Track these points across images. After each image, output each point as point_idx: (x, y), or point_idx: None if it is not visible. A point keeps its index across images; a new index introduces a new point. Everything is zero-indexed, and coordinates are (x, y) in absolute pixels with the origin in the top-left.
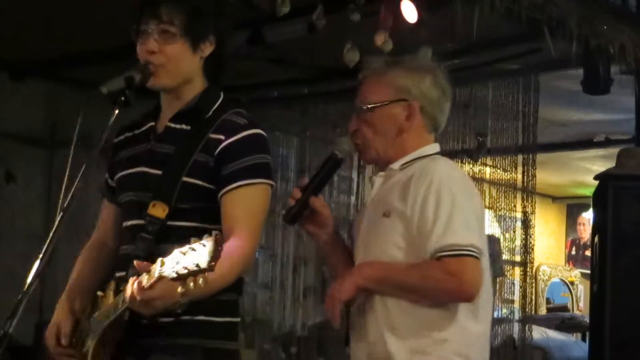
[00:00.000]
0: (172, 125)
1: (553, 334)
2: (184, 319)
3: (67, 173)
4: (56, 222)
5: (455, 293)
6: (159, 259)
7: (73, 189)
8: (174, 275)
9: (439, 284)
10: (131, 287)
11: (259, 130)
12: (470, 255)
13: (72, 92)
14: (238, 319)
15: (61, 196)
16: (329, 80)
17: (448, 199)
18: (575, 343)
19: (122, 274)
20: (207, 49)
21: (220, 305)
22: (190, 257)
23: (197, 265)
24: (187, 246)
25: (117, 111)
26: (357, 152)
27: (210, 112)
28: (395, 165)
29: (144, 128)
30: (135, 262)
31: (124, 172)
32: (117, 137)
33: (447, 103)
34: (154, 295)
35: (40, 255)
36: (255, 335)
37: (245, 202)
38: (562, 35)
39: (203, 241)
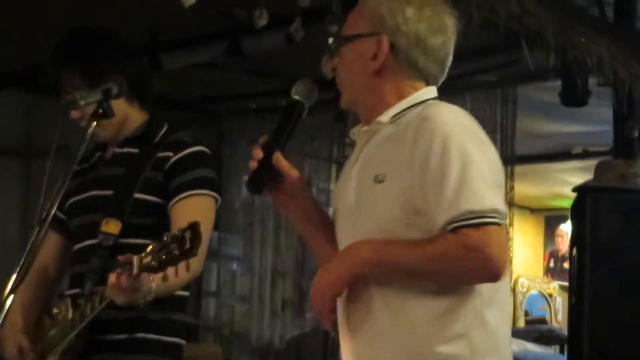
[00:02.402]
0: (119, 150)
1: (531, 347)
2: (137, 337)
3: (44, 184)
4: (33, 235)
5: (480, 273)
6: (136, 257)
7: (50, 201)
8: (155, 265)
9: (459, 264)
10: (117, 276)
11: (204, 148)
12: (493, 224)
13: (50, 102)
14: (184, 342)
15: (39, 207)
16: None
17: (458, 153)
18: (554, 356)
19: (76, 291)
20: (119, 84)
21: (170, 324)
22: (168, 248)
23: (179, 254)
24: (165, 238)
25: (94, 123)
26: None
27: (158, 138)
28: (384, 118)
29: (92, 160)
30: (119, 257)
31: (73, 199)
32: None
33: (441, 43)
34: (138, 285)
35: (18, 268)
36: (233, 348)
37: (192, 211)
38: (540, 46)
39: (181, 230)
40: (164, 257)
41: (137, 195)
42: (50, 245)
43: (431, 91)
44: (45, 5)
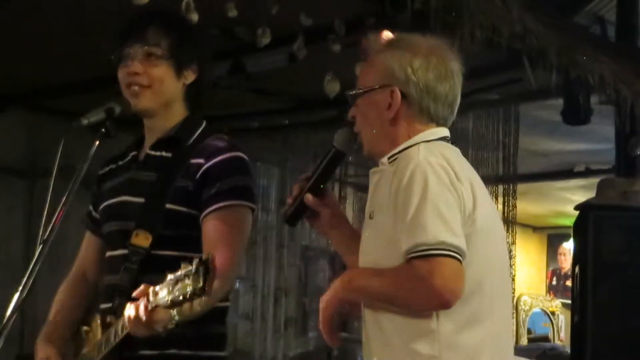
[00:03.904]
0: (152, 152)
1: None
2: (169, 353)
3: (47, 203)
4: (36, 253)
5: (427, 301)
6: (151, 289)
7: (53, 220)
8: (169, 303)
9: (408, 292)
10: (135, 309)
11: (239, 153)
12: (441, 255)
13: (53, 122)
14: (224, 354)
15: (41, 227)
16: (309, 110)
17: (419, 189)
18: None
19: (108, 305)
20: (190, 76)
21: (206, 338)
22: (183, 283)
23: (193, 290)
24: (180, 272)
25: (97, 142)
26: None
27: (191, 140)
28: (385, 159)
29: (127, 159)
30: (135, 293)
31: (106, 203)
32: (102, 169)
33: (448, 88)
34: (156, 318)
35: (21, 287)
36: None
37: (226, 224)
38: (542, 65)
39: (194, 265)
40: (177, 293)
41: (168, 206)
42: (89, 247)
43: (436, 132)
44: (48, 27)
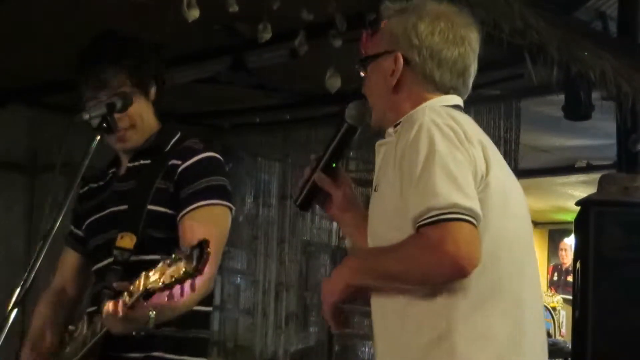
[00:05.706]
0: (132, 164)
1: None
2: (155, 355)
3: (49, 199)
4: (37, 249)
5: (440, 270)
6: (143, 273)
7: (55, 215)
8: (161, 285)
9: (420, 263)
10: (113, 305)
11: (214, 154)
12: (452, 219)
13: (54, 117)
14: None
15: (42, 222)
16: (311, 106)
17: (424, 148)
18: None
19: (94, 308)
20: (153, 91)
21: (191, 342)
22: (176, 265)
23: (185, 272)
24: (173, 255)
25: (98, 137)
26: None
27: (169, 146)
28: (390, 129)
29: (107, 177)
30: (115, 283)
31: (92, 218)
32: (81, 189)
33: (457, 55)
34: (134, 315)
35: (22, 282)
36: None
37: (202, 223)
38: (543, 61)
39: (189, 248)
40: (169, 274)
41: (150, 207)
42: (68, 264)
43: (445, 99)
44: (50, 23)
